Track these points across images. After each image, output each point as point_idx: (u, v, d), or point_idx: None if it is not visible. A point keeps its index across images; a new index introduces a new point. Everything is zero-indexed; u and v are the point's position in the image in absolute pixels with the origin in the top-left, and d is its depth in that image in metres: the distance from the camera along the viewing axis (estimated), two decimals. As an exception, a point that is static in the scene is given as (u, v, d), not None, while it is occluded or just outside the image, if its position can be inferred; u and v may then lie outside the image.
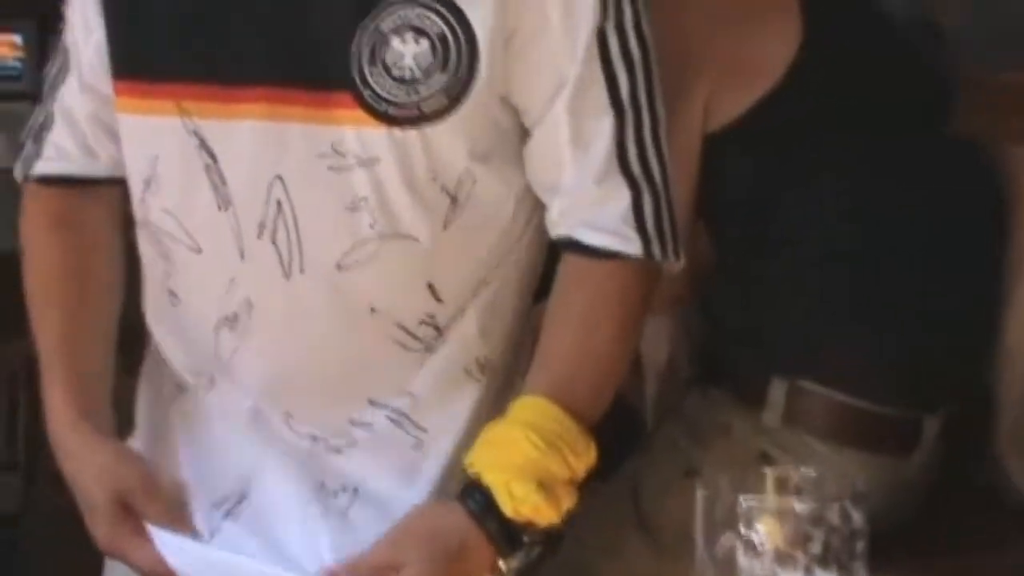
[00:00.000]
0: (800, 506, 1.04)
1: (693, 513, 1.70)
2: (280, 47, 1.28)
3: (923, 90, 1.80)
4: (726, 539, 1.05)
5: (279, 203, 1.30)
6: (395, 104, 1.27)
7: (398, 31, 1.26)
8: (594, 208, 1.31)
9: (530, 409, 1.28)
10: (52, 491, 1.48)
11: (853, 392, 1.73)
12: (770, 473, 1.08)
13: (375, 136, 1.28)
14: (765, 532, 1.03)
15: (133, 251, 1.45)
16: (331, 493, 1.36)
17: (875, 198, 1.74)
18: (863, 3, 1.81)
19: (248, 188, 1.31)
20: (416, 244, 1.31)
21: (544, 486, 1.24)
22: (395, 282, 1.32)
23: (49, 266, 1.44)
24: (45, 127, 1.44)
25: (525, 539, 1.25)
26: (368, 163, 1.28)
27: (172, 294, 1.40)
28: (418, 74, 1.26)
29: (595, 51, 1.29)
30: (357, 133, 1.28)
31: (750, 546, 1.03)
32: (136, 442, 1.46)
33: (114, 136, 1.40)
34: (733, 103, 1.72)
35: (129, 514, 1.31)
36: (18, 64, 2.67)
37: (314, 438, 1.37)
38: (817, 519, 1.03)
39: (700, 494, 1.06)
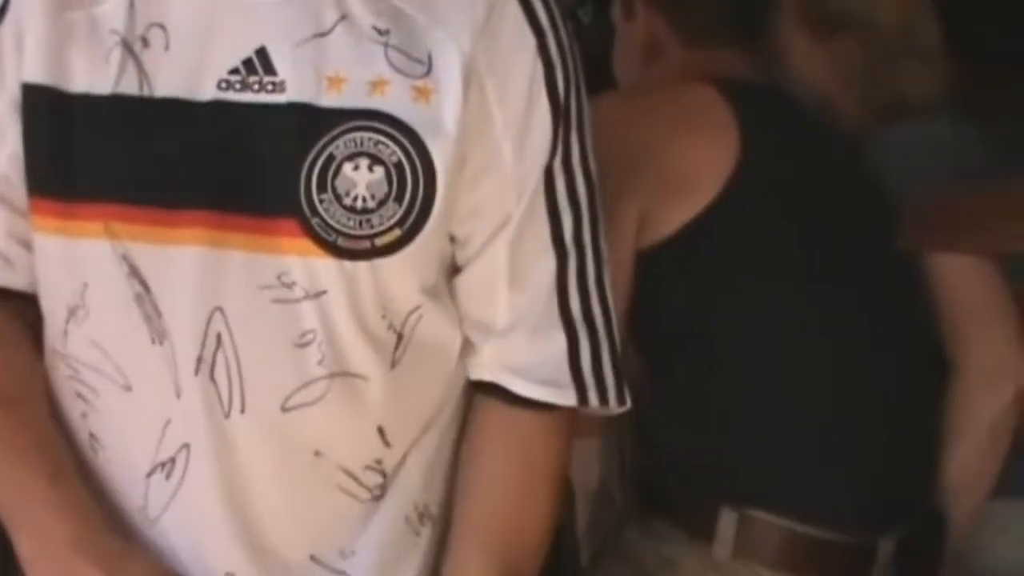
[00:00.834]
0: None
1: None
2: (222, 168, 1.18)
3: (866, 204, 1.74)
4: None
5: (219, 337, 1.19)
6: (345, 235, 1.17)
7: (351, 157, 1.16)
8: (527, 355, 1.24)
9: None
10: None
11: (806, 519, 1.65)
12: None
13: (322, 267, 1.18)
14: None
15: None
16: None
17: (822, 323, 1.68)
18: (799, 115, 1.76)
19: (185, 320, 1.19)
20: (365, 383, 1.21)
21: None
22: (343, 425, 1.22)
23: None
24: None
25: None
26: (315, 295, 1.18)
27: (93, 438, 1.26)
28: (371, 204, 1.17)
29: (541, 191, 1.23)
30: (303, 263, 1.17)
31: None
32: None
33: (30, 247, 1.27)
34: (668, 218, 1.65)
35: None
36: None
37: None
38: None
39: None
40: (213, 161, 1.18)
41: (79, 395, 1.26)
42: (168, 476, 1.22)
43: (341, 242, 1.17)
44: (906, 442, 1.70)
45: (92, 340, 1.23)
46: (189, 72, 1.18)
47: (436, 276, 1.23)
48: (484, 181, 1.21)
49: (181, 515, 1.23)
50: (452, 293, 1.26)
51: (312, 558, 1.24)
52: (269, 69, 1.17)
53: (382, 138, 1.16)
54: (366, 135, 1.16)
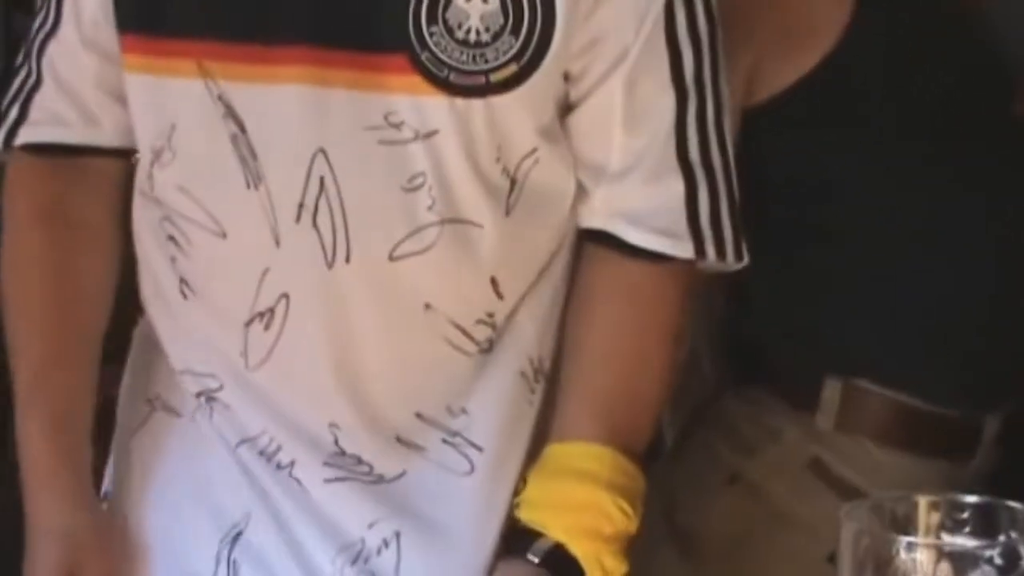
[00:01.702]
0: (967, 543, 0.88)
1: (739, 523, 1.62)
2: (324, 1, 1.11)
3: (983, 67, 1.66)
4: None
5: (322, 181, 1.12)
6: (458, 70, 1.10)
7: None
8: (642, 201, 1.17)
9: (603, 463, 1.15)
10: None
11: (913, 392, 1.60)
12: (922, 501, 0.93)
13: (433, 105, 1.11)
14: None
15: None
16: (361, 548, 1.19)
17: (939, 185, 1.60)
18: None
19: (285, 163, 1.13)
20: (479, 231, 1.15)
21: (627, 554, 1.14)
22: (455, 276, 1.16)
23: (30, 269, 1.23)
24: (32, 88, 1.23)
25: None
26: (426, 136, 1.11)
27: (185, 283, 1.20)
28: (485, 37, 1.10)
29: (661, 25, 1.15)
30: (413, 101, 1.11)
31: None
32: (107, 478, 1.28)
33: (121, 99, 1.21)
34: (780, 74, 1.58)
35: None
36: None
37: (358, 460, 1.19)
38: (980, 559, 0.88)
39: (848, 528, 0.89)
40: None
41: (171, 238, 1.20)
42: (267, 327, 1.17)
43: (453, 78, 1.10)
44: (1016, 317, 1.63)
45: (179, 185, 1.18)
46: None
47: (551, 116, 1.16)
48: (600, 11, 1.13)
49: (281, 367, 1.18)
50: (566, 134, 1.18)
51: (418, 415, 1.19)
52: None
53: None
54: None
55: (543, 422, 1.22)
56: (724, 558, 1.62)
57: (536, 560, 1.11)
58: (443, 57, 1.10)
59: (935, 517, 0.93)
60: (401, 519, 1.18)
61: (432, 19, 1.09)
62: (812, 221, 1.61)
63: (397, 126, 1.11)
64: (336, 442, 1.18)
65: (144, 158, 1.20)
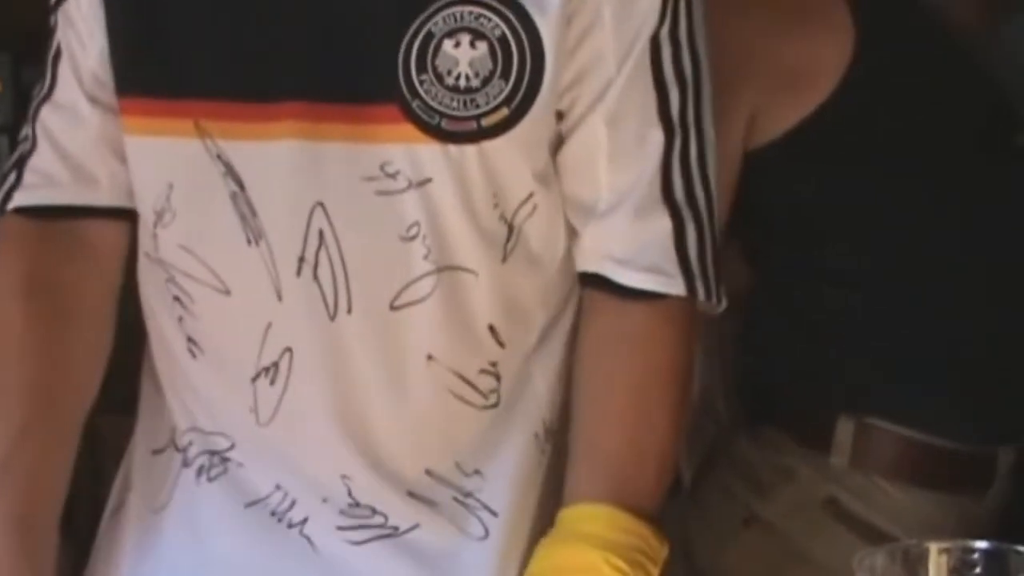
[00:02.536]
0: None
1: (756, 564, 1.62)
2: (316, 56, 1.11)
3: (987, 100, 1.67)
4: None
5: (321, 234, 1.13)
6: (450, 116, 1.10)
7: (452, 34, 1.09)
8: (630, 239, 1.15)
9: (600, 522, 1.11)
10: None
11: (926, 428, 1.60)
12: (933, 547, 0.94)
13: (426, 153, 1.11)
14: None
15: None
16: None
17: (941, 223, 1.61)
18: (912, 6, 1.68)
19: (284, 218, 1.13)
20: (473, 278, 1.15)
21: None
22: (453, 324, 1.15)
23: (7, 345, 1.19)
24: (27, 152, 1.23)
25: None
26: (420, 184, 1.12)
27: (192, 342, 1.21)
28: (475, 83, 1.09)
29: (647, 61, 1.14)
30: (406, 150, 1.11)
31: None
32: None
33: (123, 157, 1.21)
34: (781, 117, 1.59)
35: None
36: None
37: (373, 511, 1.18)
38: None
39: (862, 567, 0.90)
40: (307, 48, 1.11)
41: (176, 299, 1.20)
42: (272, 382, 1.17)
43: (445, 124, 1.10)
44: (1025, 350, 1.64)
45: (181, 245, 1.18)
46: None
47: (546, 160, 1.16)
48: (585, 45, 1.12)
49: (290, 420, 1.18)
50: (557, 174, 1.17)
51: (428, 472, 1.18)
52: None
53: (483, 11, 1.09)
54: (466, 9, 1.09)
55: (551, 481, 1.21)
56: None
57: None
58: (434, 104, 1.10)
59: (946, 562, 0.94)
60: (417, 572, 1.18)
61: (421, 67, 1.09)
62: (820, 261, 1.63)
63: (393, 176, 1.12)
64: (350, 493, 1.18)
65: (147, 219, 1.20)
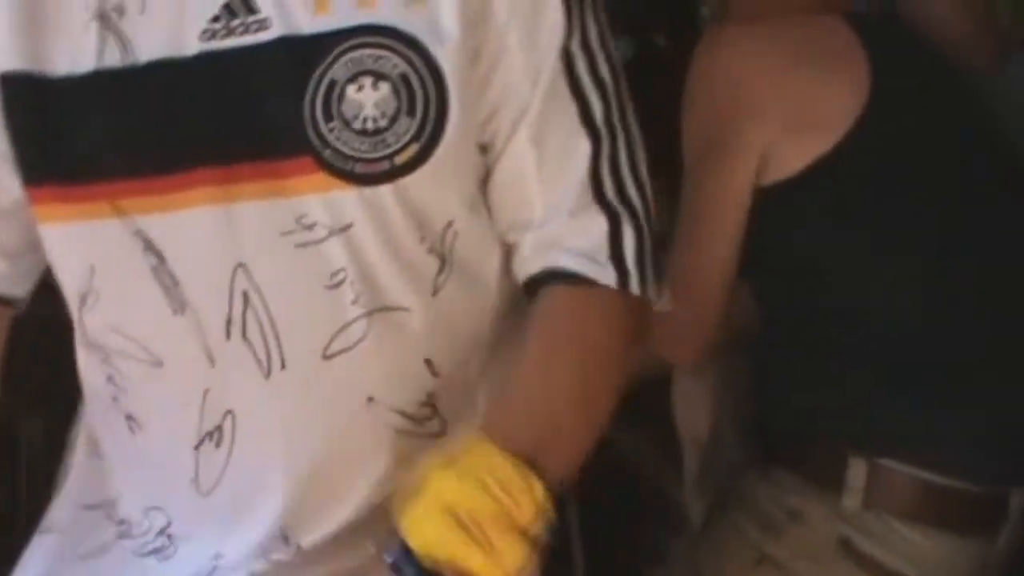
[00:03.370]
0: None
1: None
2: (221, 121, 1.12)
3: (992, 141, 1.68)
4: None
5: (245, 295, 1.13)
6: (363, 160, 1.10)
7: (353, 79, 1.10)
8: (567, 235, 1.15)
9: (458, 447, 1.08)
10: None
11: (938, 469, 1.60)
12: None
13: (344, 199, 1.11)
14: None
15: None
16: None
17: (950, 264, 1.62)
18: (923, 51, 1.69)
19: (207, 284, 1.14)
20: (407, 315, 1.15)
21: (464, 525, 1.01)
22: (391, 364, 1.15)
23: None
24: None
25: None
26: (341, 231, 1.12)
27: (131, 419, 1.21)
28: (383, 123, 1.10)
29: (561, 74, 1.14)
30: (323, 199, 1.11)
31: None
32: None
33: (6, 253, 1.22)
34: (794, 157, 1.60)
35: None
36: None
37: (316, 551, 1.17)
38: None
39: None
40: (210, 116, 1.12)
41: (110, 379, 1.21)
42: (217, 445, 1.17)
43: (359, 168, 1.10)
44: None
45: (109, 324, 1.18)
46: (170, 30, 1.13)
47: (471, 189, 1.16)
48: (495, 80, 1.13)
49: (236, 482, 1.18)
50: (488, 204, 1.18)
51: (377, 507, 1.16)
52: (250, 8, 1.12)
53: (381, 52, 1.10)
54: (364, 52, 1.10)
55: None
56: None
57: (389, 560, 1.05)
58: (346, 151, 1.10)
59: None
60: None
61: (328, 116, 1.10)
62: (828, 301, 1.63)
63: (310, 227, 1.12)
64: (290, 540, 1.18)
65: (72, 305, 1.21)
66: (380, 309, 1.14)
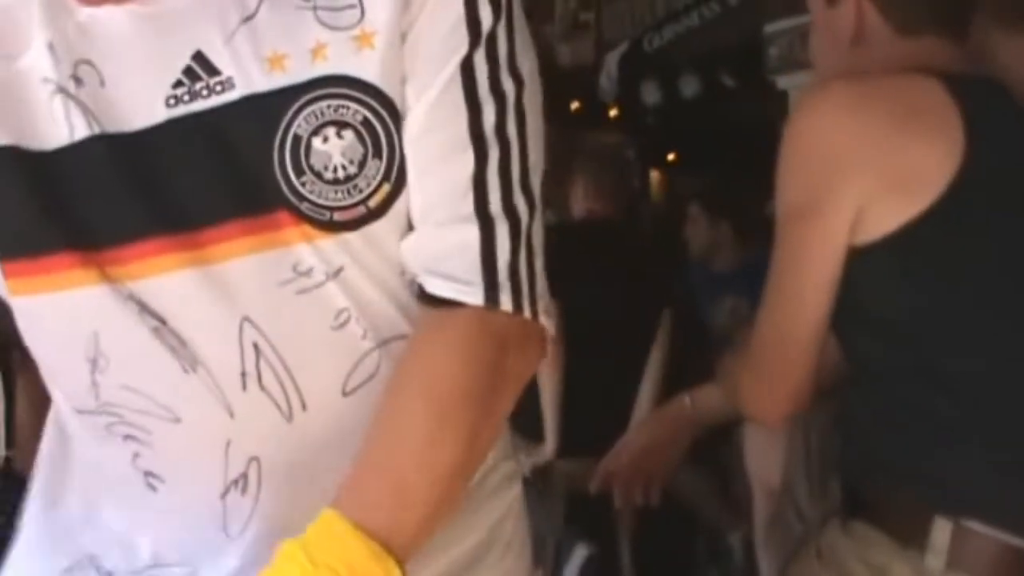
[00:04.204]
0: None
1: None
2: (200, 182, 1.14)
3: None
4: None
5: (256, 346, 1.14)
6: (338, 208, 1.13)
7: (317, 131, 1.12)
8: (436, 248, 1.15)
9: (317, 524, 1.08)
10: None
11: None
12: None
13: (329, 246, 1.14)
14: None
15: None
16: None
17: None
18: (1014, 109, 1.68)
19: (215, 342, 1.14)
20: None
21: None
22: None
23: None
24: None
25: None
26: (335, 274, 1.14)
27: (151, 476, 1.20)
28: (352, 169, 1.13)
29: (457, 83, 1.15)
30: (311, 248, 1.14)
31: None
32: None
33: None
34: (887, 216, 1.58)
35: None
36: None
37: None
38: None
39: None
40: (188, 178, 1.14)
41: (129, 437, 1.20)
42: (244, 491, 1.17)
43: (337, 216, 1.13)
44: None
45: (123, 385, 1.18)
46: (133, 99, 1.14)
47: None
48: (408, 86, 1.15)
49: (265, 525, 1.17)
50: None
51: None
52: (211, 70, 1.14)
53: (340, 101, 1.12)
54: (323, 104, 1.12)
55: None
56: None
57: None
58: (321, 201, 1.12)
59: None
60: None
61: (299, 170, 1.11)
62: (919, 361, 1.62)
63: (307, 273, 1.14)
64: None
65: (80, 372, 1.20)
66: (387, 340, 1.16)
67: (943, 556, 1.57)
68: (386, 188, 1.13)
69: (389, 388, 1.14)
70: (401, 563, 1.06)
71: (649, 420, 2.21)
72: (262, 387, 1.15)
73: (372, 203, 1.13)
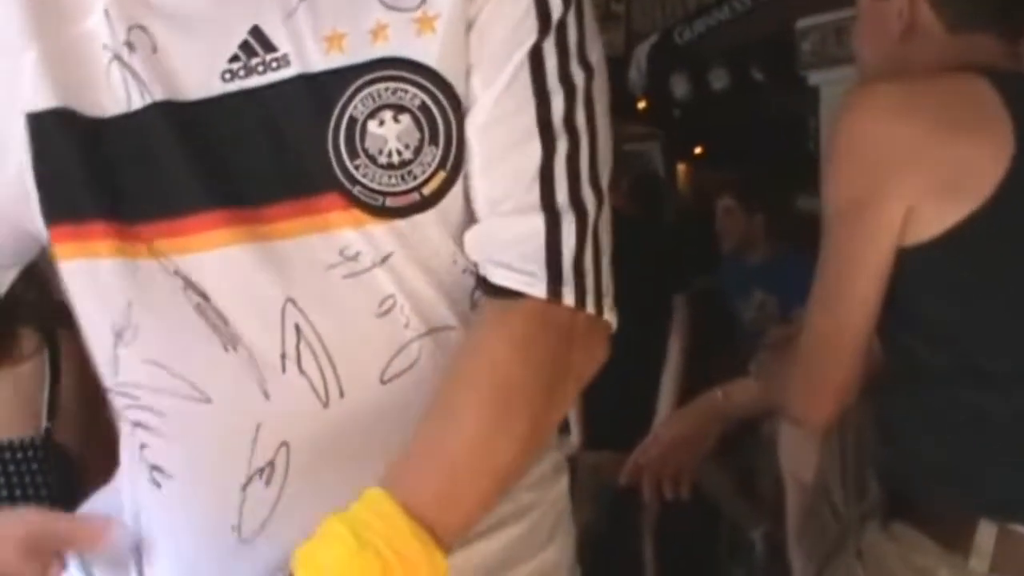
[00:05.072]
0: None
1: None
2: (252, 160, 1.11)
3: None
4: None
5: (298, 328, 1.12)
6: (392, 194, 1.10)
7: (373, 114, 1.09)
8: (502, 239, 1.12)
9: (364, 500, 1.05)
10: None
11: (1071, 538, 1.56)
12: None
13: (379, 232, 1.11)
14: None
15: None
16: None
17: None
18: None
19: (257, 321, 1.12)
20: (456, 333, 1.15)
21: None
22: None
23: None
24: None
25: None
26: (383, 260, 1.12)
27: (157, 470, 1.17)
28: (407, 155, 1.10)
29: (526, 73, 1.12)
30: (360, 233, 1.11)
31: None
32: None
33: None
34: (937, 218, 1.56)
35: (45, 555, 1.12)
36: None
37: None
38: None
39: None
40: (241, 155, 1.11)
41: (138, 424, 1.18)
42: (268, 482, 1.14)
43: (389, 202, 1.10)
44: None
45: (150, 359, 1.16)
46: (188, 70, 1.12)
47: None
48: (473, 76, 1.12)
49: (282, 527, 1.13)
50: None
51: None
52: (268, 46, 1.11)
53: (398, 84, 1.09)
54: (381, 86, 1.09)
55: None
56: None
57: None
58: (374, 186, 1.09)
59: None
60: None
61: (353, 153, 1.09)
62: (966, 362, 1.60)
63: (354, 258, 1.11)
64: None
65: (104, 343, 1.18)
66: (430, 331, 1.14)
67: (987, 560, 1.56)
68: (441, 176, 1.11)
69: (447, 377, 1.11)
70: (445, 553, 1.04)
71: (680, 414, 2.19)
72: (301, 370, 1.12)
73: (426, 190, 1.11)
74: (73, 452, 2.06)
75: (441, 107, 1.10)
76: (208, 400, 1.14)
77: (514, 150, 1.12)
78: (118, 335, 1.17)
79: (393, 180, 1.10)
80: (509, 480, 1.11)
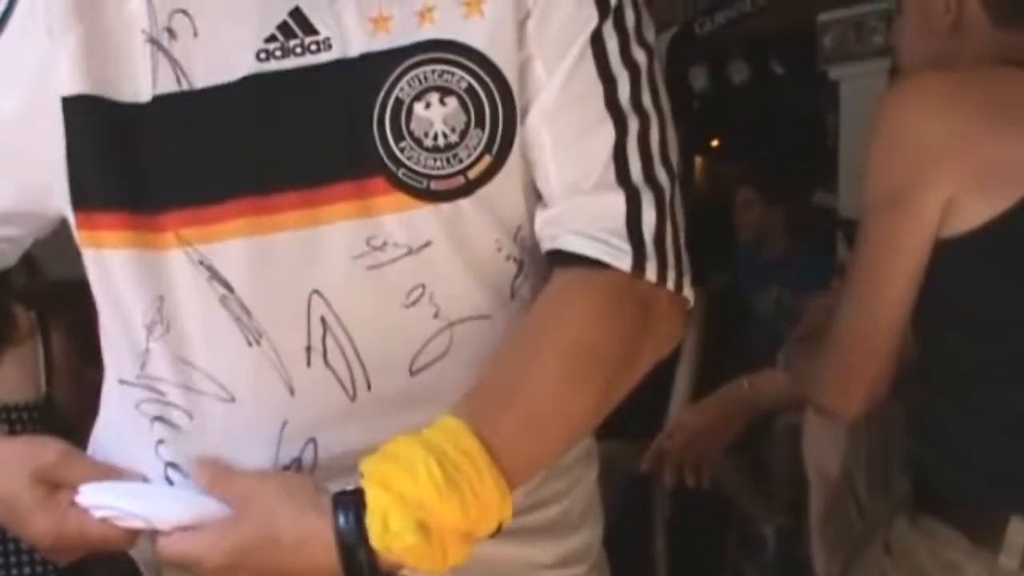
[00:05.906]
0: None
1: None
2: (291, 145, 1.10)
3: None
4: None
5: (323, 320, 1.11)
6: (436, 177, 1.09)
7: (419, 96, 1.09)
8: (583, 215, 1.12)
9: (445, 431, 1.03)
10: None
11: (1100, 535, 1.55)
12: None
13: (421, 217, 1.10)
14: None
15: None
16: None
17: None
18: None
19: (282, 314, 1.11)
20: (489, 323, 1.14)
21: (426, 530, 0.99)
22: (473, 369, 1.13)
23: None
24: None
25: None
26: (419, 249, 1.11)
27: (173, 467, 1.16)
28: (453, 138, 1.09)
29: (589, 56, 1.12)
30: (401, 218, 1.10)
31: None
32: None
33: None
34: (976, 211, 1.55)
35: (60, 490, 1.09)
36: None
37: None
38: None
39: None
40: (273, 140, 1.10)
41: (159, 419, 1.16)
42: None
43: (434, 185, 1.09)
44: None
45: (178, 356, 1.14)
46: (224, 52, 1.10)
47: (531, 185, 1.15)
48: (532, 64, 1.12)
49: None
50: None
51: None
52: (308, 28, 1.10)
53: (445, 67, 1.08)
54: (428, 69, 1.08)
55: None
56: None
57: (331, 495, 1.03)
58: (419, 168, 1.09)
59: None
60: None
61: (398, 135, 1.08)
62: (1005, 358, 1.58)
63: (381, 248, 1.10)
64: None
65: (136, 336, 1.16)
66: (462, 320, 1.13)
67: (1018, 557, 1.55)
68: (487, 160, 1.10)
69: (521, 333, 1.09)
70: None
71: (707, 403, 2.19)
72: (327, 363, 1.11)
73: (472, 174, 1.10)
74: (67, 411, 2.16)
75: (488, 90, 1.09)
76: (232, 399, 1.13)
77: (586, 134, 1.12)
78: (148, 329, 1.15)
79: (438, 163, 1.09)
80: (573, 439, 1.12)
